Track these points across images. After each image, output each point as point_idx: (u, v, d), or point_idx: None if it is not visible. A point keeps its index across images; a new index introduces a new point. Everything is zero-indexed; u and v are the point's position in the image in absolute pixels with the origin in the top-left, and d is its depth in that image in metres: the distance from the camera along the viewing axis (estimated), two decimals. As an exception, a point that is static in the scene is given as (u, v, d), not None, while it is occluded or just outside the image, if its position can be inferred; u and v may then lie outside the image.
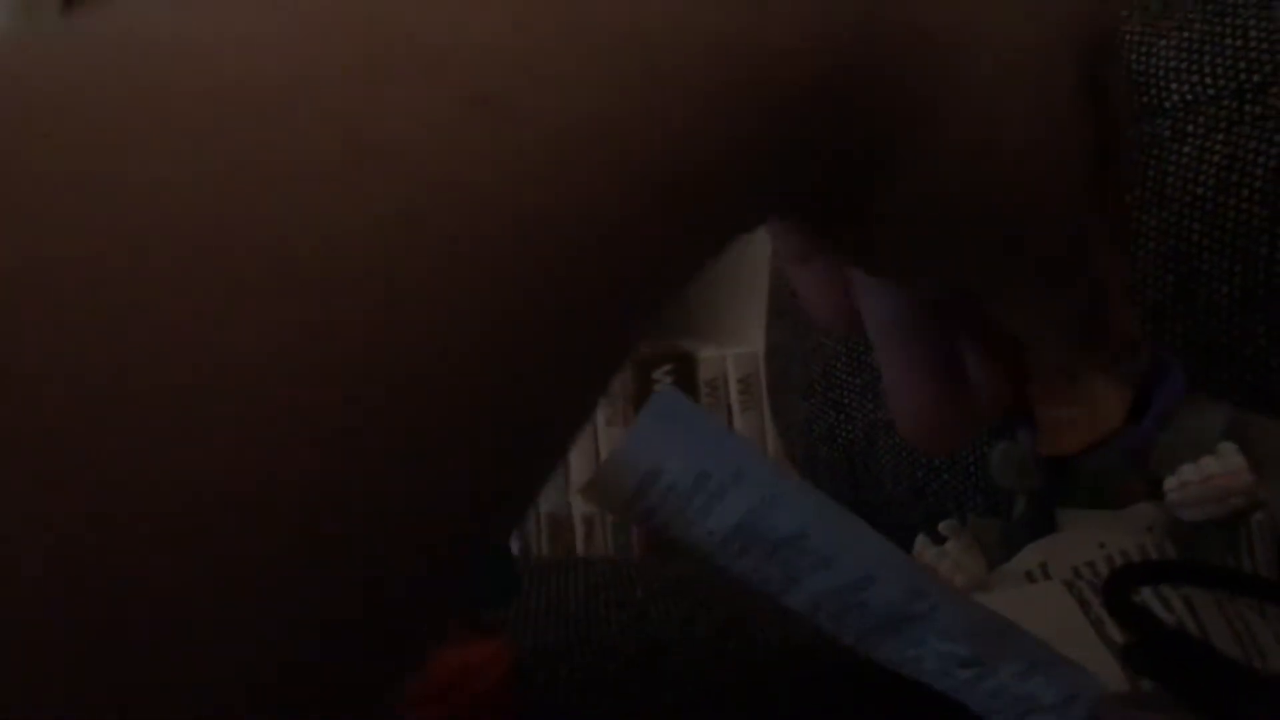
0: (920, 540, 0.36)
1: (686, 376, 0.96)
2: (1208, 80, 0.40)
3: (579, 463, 0.88)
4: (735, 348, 0.93)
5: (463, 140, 0.11)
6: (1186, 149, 0.40)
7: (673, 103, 0.12)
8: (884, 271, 0.19)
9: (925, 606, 0.21)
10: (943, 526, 0.35)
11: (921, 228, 0.17)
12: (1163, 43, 0.42)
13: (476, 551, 0.12)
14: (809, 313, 0.22)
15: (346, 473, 0.10)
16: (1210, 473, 0.30)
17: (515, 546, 0.90)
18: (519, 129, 0.11)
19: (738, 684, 0.30)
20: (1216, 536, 0.30)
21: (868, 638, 0.22)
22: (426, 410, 0.10)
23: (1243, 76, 0.39)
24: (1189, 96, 0.40)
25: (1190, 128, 0.40)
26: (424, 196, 0.10)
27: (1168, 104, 0.41)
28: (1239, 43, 0.39)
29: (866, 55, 0.15)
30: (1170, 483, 0.30)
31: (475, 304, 0.11)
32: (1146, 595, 0.27)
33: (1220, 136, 0.39)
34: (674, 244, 0.13)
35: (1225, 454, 0.30)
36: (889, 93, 0.15)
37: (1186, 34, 0.41)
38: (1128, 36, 0.43)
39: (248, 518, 0.09)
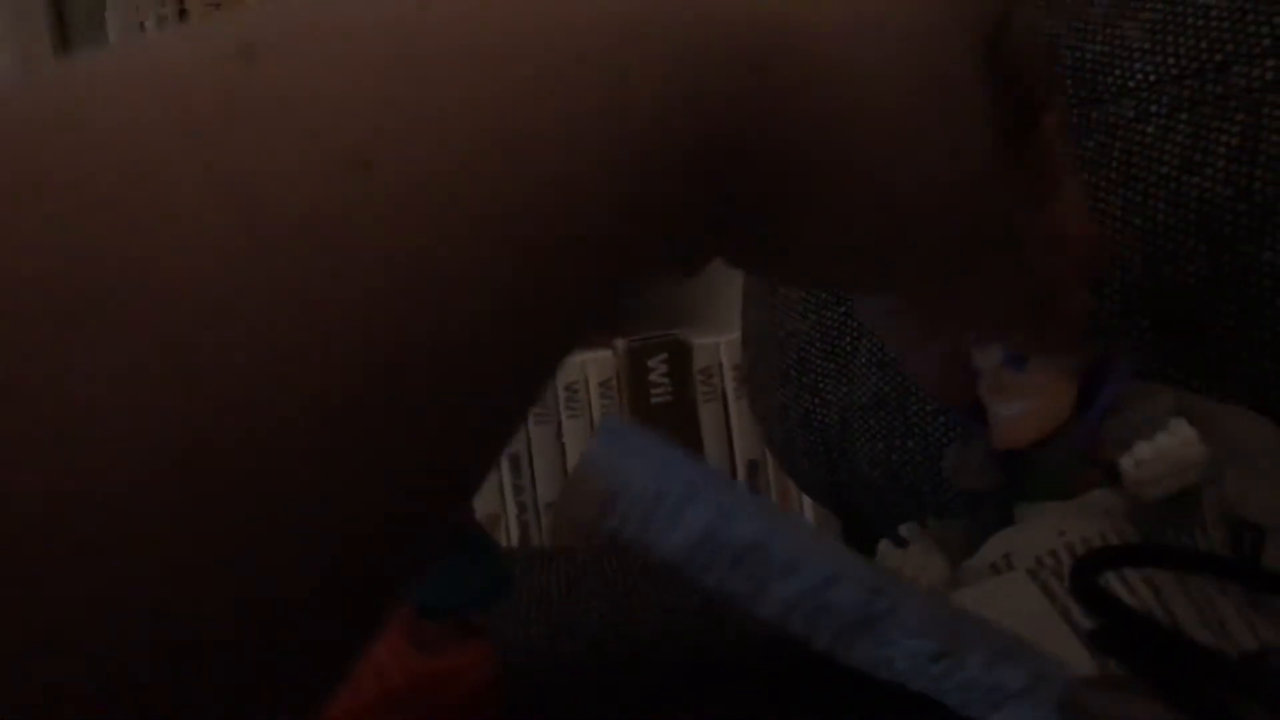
0: (883, 545, 0.36)
1: (681, 364, 0.95)
2: (1170, 60, 0.40)
3: (574, 452, 0.88)
4: (729, 334, 0.92)
5: (342, 200, 0.11)
6: (1150, 129, 0.40)
7: (544, 159, 0.13)
8: (838, 289, 0.20)
9: (887, 603, 0.21)
10: (903, 529, 0.36)
11: (845, 252, 0.18)
12: (1127, 24, 0.42)
13: (435, 523, 0.14)
14: (931, 393, 0.26)
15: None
16: (1163, 447, 0.30)
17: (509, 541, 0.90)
18: (394, 188, 0.12)
19: (720, 678, 0.31)
20: (1172, 512, 0.30)
21: (839, 640, 0.23)
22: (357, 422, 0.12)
23: (1205, 56, 0.39)
24: (1152, 77, 0.41)
25: (1154, 108, 0.40)
26: (314, 259, 0.11)
27: (1132, 84, 0.41)
28: (1201, 22, 0.40)
29: (747, 105, 0.15)
30: (1126, 462, 0.30)
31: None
32: (1110, 578, 0.27)
33: (1184, 116, 0.39)
34: (580, 289, 0.14)
35: (1177, 429, 0.30)
36: (781, 132, 0.16)
37: (1149, 14, 0.41)
38: (1094, 17, 0.43)
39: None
